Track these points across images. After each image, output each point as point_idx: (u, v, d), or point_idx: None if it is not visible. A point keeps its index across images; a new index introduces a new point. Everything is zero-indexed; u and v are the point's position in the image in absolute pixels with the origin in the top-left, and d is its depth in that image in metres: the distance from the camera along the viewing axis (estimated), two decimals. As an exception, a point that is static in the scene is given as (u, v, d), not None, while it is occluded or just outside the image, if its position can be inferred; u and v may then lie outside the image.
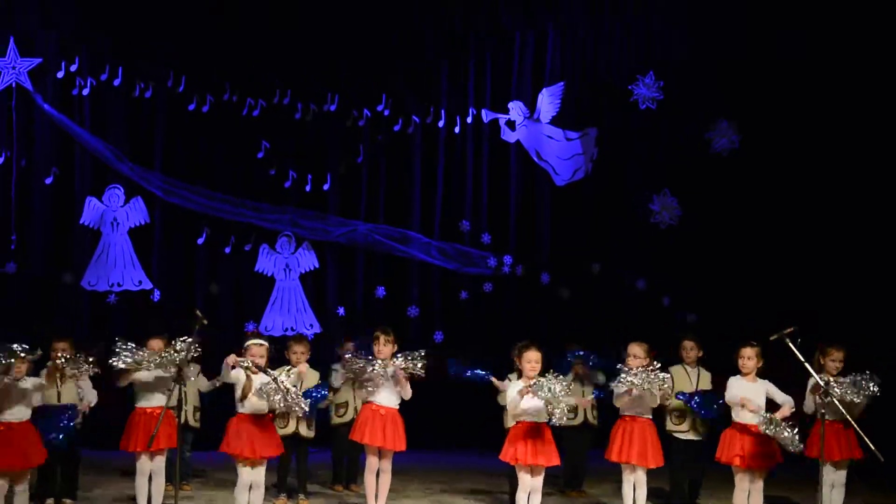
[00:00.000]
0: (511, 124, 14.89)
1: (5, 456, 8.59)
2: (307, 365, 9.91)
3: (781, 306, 12.65)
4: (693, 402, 10.00)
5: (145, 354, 9.01)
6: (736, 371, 9.42)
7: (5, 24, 13.63)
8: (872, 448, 8.57)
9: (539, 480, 9.20)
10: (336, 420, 10.87)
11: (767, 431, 8.99)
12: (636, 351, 9.63)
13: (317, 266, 14.37)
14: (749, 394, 9.27)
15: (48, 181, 13.73)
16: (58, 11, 13.78)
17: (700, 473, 10.37)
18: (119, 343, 8.97)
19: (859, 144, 14.17)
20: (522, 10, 14.83)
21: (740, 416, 9.34)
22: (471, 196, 14.80)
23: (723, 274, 14.31)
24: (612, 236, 14.75)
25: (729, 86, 14.57)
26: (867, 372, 9.12)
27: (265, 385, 8.81)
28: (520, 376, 9.40)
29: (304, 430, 10.30)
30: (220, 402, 10.09)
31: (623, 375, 9.32)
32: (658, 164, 14.79)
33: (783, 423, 8.98)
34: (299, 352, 10.15)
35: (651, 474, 9.64)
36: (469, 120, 14.83)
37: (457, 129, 14.80)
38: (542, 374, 9.33)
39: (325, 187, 14.43)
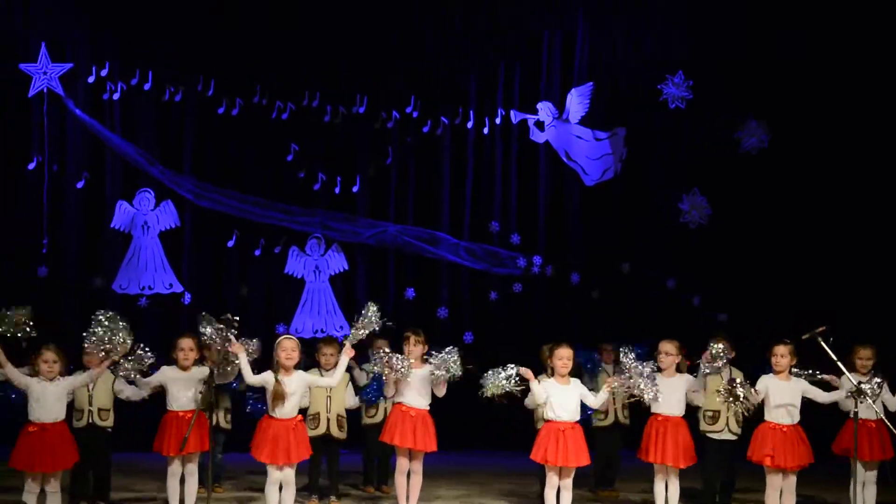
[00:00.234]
0: (540, 125, 14.85)
1: (36, 457, 8.64)
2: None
3: (812, 305, 12.56)
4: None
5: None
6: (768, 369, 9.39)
7: (37, 30, 13.69)
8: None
9: (569, 480, 9.20)
10: (366, 421, 10.85)
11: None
12: (668, 348, 9.61)
13: (346, 268, 14.37)
14: (783, 393, 9.21)
15: (79, 185, 13.79)
16: (88, 17, 13.84)
17: (733, 473, 10.29)
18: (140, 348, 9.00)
19: (890, 142, 14.04)
20: (551, 10, 14.77)
21: (771, 415, 9.29)
22: (500, 197, 14.77)
23: (753, 273, 14.23)
24: (642, 236, 14.67)
25: (758, 85, 14.48)
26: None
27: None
28: (551, 376, 9.41)
29: (336, 432, 10.29)
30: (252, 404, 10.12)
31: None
32: (687, 164, 14.72)
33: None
34: (329, 353, 10.15)
35: (683, 474, 9.60)
36: (498, 121, 14.80)
37: (486, 131, 14.77)
38: (572, 374, 9.36)
39: (355, 189, 14.44)
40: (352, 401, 10.46)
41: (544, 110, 14.85)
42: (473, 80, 14.77)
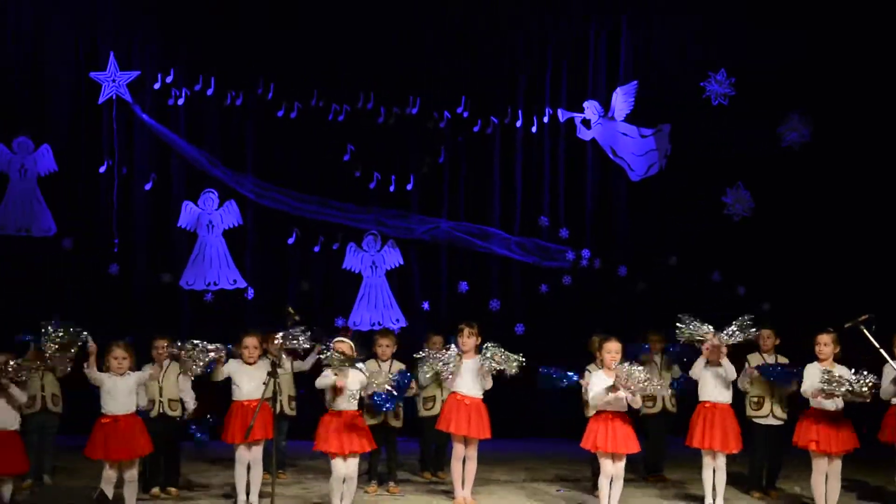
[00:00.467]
0: (587, 123, 14.81)
1: (113, 447, 8.80)
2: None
3: (855, 294, 12.44)
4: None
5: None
6: (812, 358, 9.33)
7: (106, 40, 13.86)
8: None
9: (620, 467, 9.17)
10: (424, 413, 10.86)
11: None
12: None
13: (401, 263, 14.41)
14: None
15: (147, 187, 13.94)
16: (154, 27, 13.99)
17: (779, 458, 10.23)
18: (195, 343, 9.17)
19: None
20: (596, 11, 14.73)
21: (816, 401, 9.21)
22: (548, 193, 14.74)
23: (796, 264, 14.11)
24: (687, 229, 14.57)
25: (800, 80, 14.34)
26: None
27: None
28: (600, 367, 9.40)
29: (393, 421, 10.35)
30: (315, 391, 10.18)
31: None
32: (731, 159, 14.58)
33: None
34: (385, 345, 10.23)
35: (730, 459, 9.56)
36: (546, 120, 14.76)
37: (534, 129, 14.74)
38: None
39: (409, 187, 14.47)
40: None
41: (590, 109, 14.81)
42: (522, 80, 14.74)
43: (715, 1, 14.54)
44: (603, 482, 9.16)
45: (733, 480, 9.97)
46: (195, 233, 14.00)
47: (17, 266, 13.34)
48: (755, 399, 10.09)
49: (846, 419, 9.26)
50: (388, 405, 9.87)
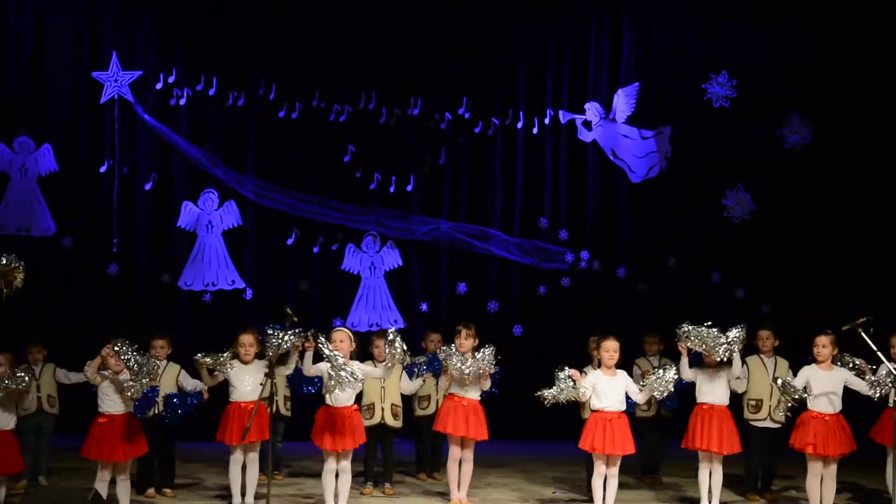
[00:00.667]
0: (587, 124, 14.73)
1: (108, 447, 8.74)
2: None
3: (855, 296, 12.35)
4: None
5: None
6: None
7: (108, 40, 13.80)
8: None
9: (615, 468, 9.17)
10: (419, 412, 10.82)
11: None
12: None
13: (401, 264, 14.33)
14: (825, 382, 9.06)
15: (148, 187, 13.87)
16: (155, 28, 13.93)
17: (775, 460, 10.15)
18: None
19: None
20: (597, 13, 14.65)
21: (814, 404, 9.15)
22: (548, 194, 14.66)
23: (796, 266, 14.03)
24: (687, 231, 14.49)
25: (801, 82, 14.27)
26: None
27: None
28: (598, 367, 9.36)
29: (391, 421, 10.27)
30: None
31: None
32: (731, 161, 14.50)
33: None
34: (382, 346, 10.12)
35: (726, 461, 9.49)
36: (547, 121, 14.69)
37: (535, 131, 14.67)
38: (618, 366, 9.28)
39: (409, 188, 14.39)
40: (407, 386, 10.34)
41: (592, 110, 14.73)
42: (523, 82, 14.66)
43: (716, 3, 14.49)
44: (596, 482, 9.17)
45: (729, 482, 9.91)
46: (194, 233, 13.92)
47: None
48: (753, 402, 10.01)
49: (844, 422, 9.17)
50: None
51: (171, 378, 9.72)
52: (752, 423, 10.03)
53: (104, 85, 13.76)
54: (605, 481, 9.16)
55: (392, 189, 14.32)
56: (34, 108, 13.68)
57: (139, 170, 13.86)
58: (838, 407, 9.16)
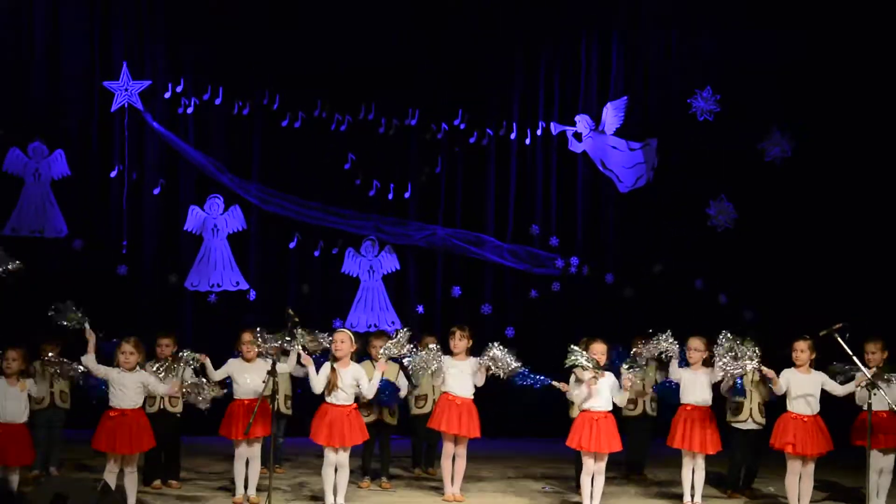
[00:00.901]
0: (578, 136, 14.77)
1: (118, 440, 8.74)
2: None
3: (831, 303, 12.43)
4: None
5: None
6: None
7: (119, 51, 13.83)
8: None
9: (602, 465, 9.19)
10: (416, 411, 10.84)
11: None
12: (696, 344, 9.61)
13: (398, 268, 14.37)
14: (803, 385, 9.12)
15: (156, 192, 13.90)
16: (164, 39, 13.96)
17: (756, 460, 10.20)
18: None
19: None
20: (587, 28, 14.70)
21: (793, 405, 9.21)
22: (540, 202, 14.69)
23: (776, 273, 14.08)
24: (672, 239, 14.54)
25: (783, 98, 14.33)
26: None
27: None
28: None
29: (388, 418, 10.32)
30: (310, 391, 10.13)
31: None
32: (715, 172, 14.55)
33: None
34: (379, 346, 10.16)
35: (709, 460, 9.53)
36: (539, 132, 14.73)
37: (528, 141, 14.71)
38: (606, 367, 9.33)
39: (406, 195, 14.43)
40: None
41: (582, 123, 14.78)
42: (516, 95, 14.70)
43: (702, 21, 14.56)
44: (584, 479, 9.19)
45: (711, 480, 9.94)
46: (200, 236, 13.95)
47: (30, 266, 13.22)
48: (734, 405, 10.05)
49: (821, 424, 9.22)
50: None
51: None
52: (734, 425, 10.06)
53: (115, 94, 13.79)
54: (593, 478, 9.19)
55: (390, 196, 14.36)
56: (48, 115, 13.70)
57: (148, 175, 13.89)
58: (816, 409, 9.22)
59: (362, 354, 10.01)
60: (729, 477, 10.25)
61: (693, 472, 9.47)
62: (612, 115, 14.79)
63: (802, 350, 9.23)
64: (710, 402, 9.54)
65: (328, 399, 9.06)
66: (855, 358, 8.84)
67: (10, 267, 8.93)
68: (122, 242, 13.72)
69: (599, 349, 9.25)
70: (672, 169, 14.66)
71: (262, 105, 14.11)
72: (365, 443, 9.74)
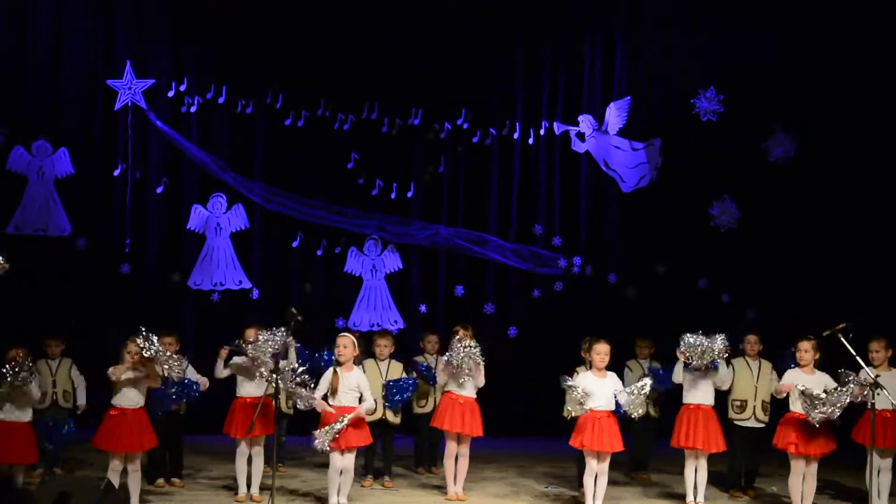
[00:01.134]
0: (581, 136, 14.75)
1: (121, 439, 8.76)
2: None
3: (837, 302, 12.39)
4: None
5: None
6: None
7: (123, 50, 13.82)
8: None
9: (605, 465, 9.17)
10: (418, 410, 10.84)
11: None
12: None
13: (401, 267, 14.35)
14: (807, 384, 9.11)
15: (159, 190, 13.89)
16: (168, 38, 13.95)
17: (758, 459, 10.19)
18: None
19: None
20: (590, 29, 14.68)
21: (796, 405, 9.18)
22: (543, 202, 14.67)
23: (779, 273, 14.05)
24: (675, 239, 14.52)
25: (786, 98, 14.30)
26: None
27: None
28: (589, 368, 9.37)
29: (391, 417, 10.31)
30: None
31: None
32: (718, 172, 14.52)
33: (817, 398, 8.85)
34: (383, 345, 10.21)
35: (711, 459, 9.52)
36: (542, 132, 14.71)
37: (531, 141, 14.70)
38: (609, 368, 9.31)
39: (409, 195, 14.41)
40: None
41: (585, 122, 14.76)
42: (520, 95, 14.68)
43: (705, 21, 14.53)
44: (587, 479, 9.17)
45: (713, 480, 9.93)
46: (204, 235, 13.93)
47: (34, 264, 13.27)
48: (738, 403, 10.05)
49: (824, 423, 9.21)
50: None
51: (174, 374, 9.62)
52: (736, 422, 10.06)
53: (118, 92, 13.78)
54: (596, 478, 9.17)
55: (393, 195, 14.34)
56: (52, 113, 13.69)
57: (151, 174, 13.87)
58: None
59: (367, 354, 10.00)
60: (729, 475, 10.24)
61: (696, 472, 9.45)
62: (615, 115, 14.77)
63: (806, 350, 9.23)
64: (712, 402, 9.54)
65: (331, 402, 9.03)
66: (859, 358, 8.81)
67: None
68: (126, 241, 13.70)
69: (602, 349, 9.23)
70: (675, 169, 14.63)
71: (266, 104, 14.09)
72: (368, 442, 9.75)
